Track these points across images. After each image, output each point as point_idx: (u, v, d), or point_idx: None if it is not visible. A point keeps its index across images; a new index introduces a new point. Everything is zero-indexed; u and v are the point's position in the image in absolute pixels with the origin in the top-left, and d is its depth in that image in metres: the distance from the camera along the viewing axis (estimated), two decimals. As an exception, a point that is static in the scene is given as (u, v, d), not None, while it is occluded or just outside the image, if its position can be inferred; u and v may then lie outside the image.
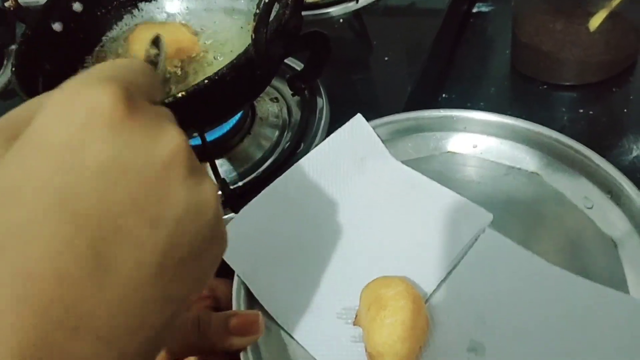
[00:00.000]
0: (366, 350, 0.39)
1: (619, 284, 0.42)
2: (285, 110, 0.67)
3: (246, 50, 0.47)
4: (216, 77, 0.46)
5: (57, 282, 0.18)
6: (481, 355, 0.39)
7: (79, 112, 0.21)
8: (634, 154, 0.60)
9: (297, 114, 0.66)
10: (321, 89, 0.66)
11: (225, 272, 0.44)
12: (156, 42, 0.37)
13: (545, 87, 0.69)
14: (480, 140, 0.53)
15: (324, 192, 0.49)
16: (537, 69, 0.69)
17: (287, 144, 0.62)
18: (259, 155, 0.62)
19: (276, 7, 0.49)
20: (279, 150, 0.63)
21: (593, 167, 0.47)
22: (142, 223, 0.21)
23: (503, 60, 0.75)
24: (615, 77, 0.67)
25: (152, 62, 0.36)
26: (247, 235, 0.46)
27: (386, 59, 0.69)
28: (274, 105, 0.67)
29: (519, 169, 0.51)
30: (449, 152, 0.54)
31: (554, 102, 0.68)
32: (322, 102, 0.65)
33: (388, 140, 0.54)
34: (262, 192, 0.48)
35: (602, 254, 0.44)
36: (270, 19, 0.48)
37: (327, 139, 0.51)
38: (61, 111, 0.21)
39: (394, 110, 0.65)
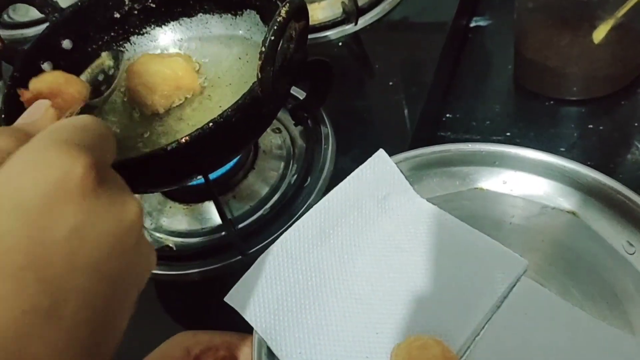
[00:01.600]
0: None
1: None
2: (288, 140, 0.63)
3: (251, 89, 0.44)
4: (221, 120, 0.43)
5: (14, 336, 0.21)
6: None
7: (52, 177, 0.23)
8: (649, 169, 0.58)
9: (301, 144, 0.63)
10: (325, 117, 0.63)
11: (244, 328, 0.42)
12: (115, 54, 0.39)
13: (551, 102, 0.66)
14: (511, 176, 0.49)
15: (345, 236, 0.46)
16: (543, 85, 0.67)
17: (294, 177, 0.59)
18: (265, 190, 0.59)
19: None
20: (285, 183, 0.59)
21: (635, 209, 0.43)
22: (97, 281, 0.23)
23: (505, 76, 0.72)
24: (623, 89, 0.64)
25: (105, 74, 0.40)
26: (264, 287, 0.42)
27: (390, 83, 0.66)
28: (276, 136, 0.63)
29: (554, 207, 0.47)
30: (477, 188, 0.50)
31: (561, 118, 0.66)
32: (326, 131, 0.62)
33: (411, 176, 0.50)
34: (279, 238, 0.44)
35: None
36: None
37: (349, 177, 0.48)
38: (35, 173, 0.23)
39: (403, 136, 0.62)
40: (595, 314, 0.41)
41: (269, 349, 0.41)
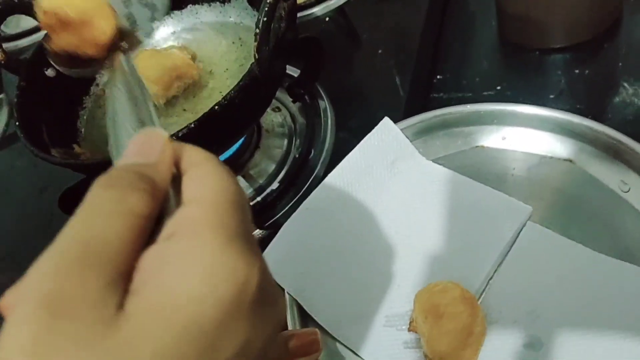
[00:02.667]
0: (426, 357, 0.38)
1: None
2: (289, 118, 0.65)
3: (250, 71, 0.46)
4: (225, 102, 0.46)
5: None
6: (538, 350, 0.39)
7: (233, 289, 0.19)
8: (635, 107, 0.60)
9: (301, 119, 0.64)
10: (321, 92, 0.65)
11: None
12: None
13: (537, 52, 0.68)
14: (510, 132, 0.51)
15: (360, 200, 0.48)
16: (526, 36, 0.68)
17: (298, 151, 0.61)
18: (272, 167, 0.61)
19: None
20: (290, 158, 0.62)
21: (627, 150, 0.46)
22: None
23: (490, 32, 0.74)
24: (605, 33, 0.66)
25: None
26: (290, 252, 0.45)
27: (380, 51, 0.68)
28: (277, 115, 0.65)
29: (551, 157, 0.50)
30: (478, 146, 0.52)
31: (548, 66, 0.67)
32: (324, 105, 0.64)
33: (416, 140, 0.52)
34: (300, 207, 0.47)
35: None
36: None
37: (357, 146, 0.50)
38: (215, 281, 0.19)
39: (397, 102, 0.65)
40: (598, 251, 0.43)
41: (300, 308, 0.43)
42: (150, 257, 0.20)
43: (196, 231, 0.20)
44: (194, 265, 0.19)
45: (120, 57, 0.38)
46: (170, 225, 0.21)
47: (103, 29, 0.38)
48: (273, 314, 0.22)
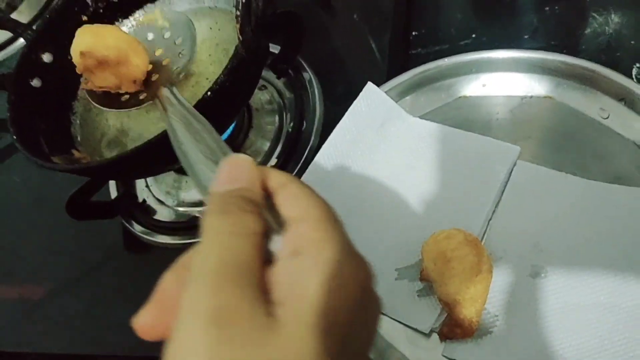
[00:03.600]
0: (441, 301, 0.41)
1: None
2: (276, 94, 0.66)
3: (236, 52, 0.47)
4: (217, 87, 0.47)
5: None
6: (544, 278, 0.41)
7: (356, 292, 0.24)
8: (607, 35, 0.62)
9: (288, 94, 0.65)
10: (304, 65, 0.66)
11: None
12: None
13: (507, -3, 0.70)
14: (489, 78, 0.53)
15: (356, 166, 0.50)
16: (495, -19, 0.70)
17: (290, 125, 0.63)
18: (267, 144, 0.63)
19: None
20: (284, 133, 0.63)
21: (602, 78, 0.48)
22: None
23: (459, -19, 0.75)
24: (570, -33, 0.68)
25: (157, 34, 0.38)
26: None
27: (355, 17, 0.69)
28: (264, 93, 0.66)
29: (531, 96, 0.51)
30: (461, 97, 0.54)
31: (519, 8, 0.68)
32: (308, 76, 0.65)
33: (401, 100, 0.54)
34: (301, 179, 0.48)
35: (629, 158, 0.46)
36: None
37: (346, 114, 0.51)
38: (341, 291, 0.23)
39: (378, 63, 0.66)
40: (589, 179, 0.45)
41: None
42: (286, 273, 0.23)
43: (318, 248, 0.24)
44: (327, 277, 0.23)
45: (164, 91, 0.38)
46: (290, 243, 0.24)
47: (138, 65, 0.39)
48: (378, 304, 0.26)
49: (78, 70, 0.40)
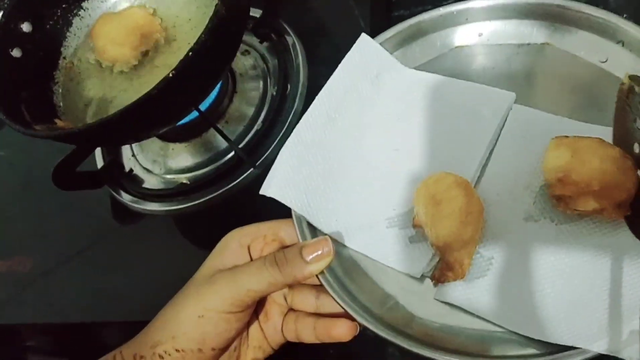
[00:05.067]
0: (433, 245, 0.40)
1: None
2: (259, 59, 0.65)
3: (216, 11, 0.46)
4: (198, 47, 0.46)
5: None
6: (538, 221, 0.41)
7: None
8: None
9: (272, 59, 0.65)
10: (286, 28, 0.65)
11: (283, 214, 0.46)
12: None
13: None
14: (484, 27, 0.52)
15: (350, 116, 0.49)
16: None
17: (275, 89, 0.62)
18: (252, 109, 0.62)
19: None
20: (268, 97, 0.62)
21: (599, 22, 0.47)
22: None
23: None
24: None
25: None
26: (291, 172, 0.46)
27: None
28: (247, 58, 0.66)
29: (529, 44, 0.50)
30: (456, 47, 0.53)
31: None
32: (291, 40, 0.64)
33: (396, 52, 0.53)
34: (293, 133, 0.47)
35: None
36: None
37: (340, 65, 0.50)
38: None
39: (360, 25, 0.66)
40: (585, 121, 0.44)
41: (308, 223, 0.45)
42: None
43: None
44: None
45: None
46: None
47: (627, 187, 0.37)
48: None
49: (552, 195, 0.39)
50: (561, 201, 0.39)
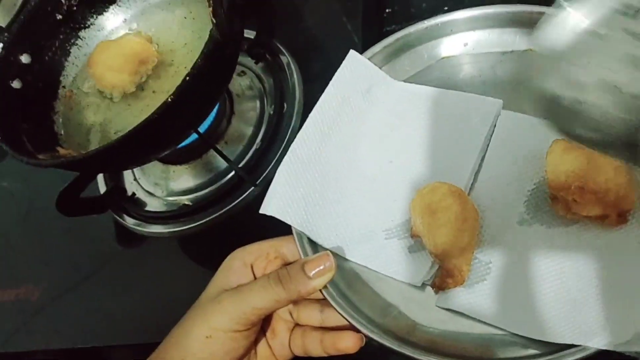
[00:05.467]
0: (431, 254, 0.41)
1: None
2: (255, 79, 0.66)
3: (211, 36, 0.48)
4: (195, 71, 0.47)
5: None
6: (531, 225, 0.42)
7: None
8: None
9: (268, 78, 0.66)
10: (280, 47, 0.66)
11: (284, 231, 0.47)
12: None
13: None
14: (469, 37, 0.53)
15: (344, 132, 0.50)
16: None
17: (272, 108, 0.63)
18: (250, 129, 0.63)
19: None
20: (266, 116, 0.63)
21: None
22: None
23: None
24: None
25: None
26: (289, 190, 0.47)
27: (327, -3, 0.71)
28: (243, 78, 0.67)
29: (512, 51, 0.51)
30: (443, 57, 0.54)
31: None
32: (286, 59, 0.65)
33: (384, 66, 0.54)
34: (289, 151, 0.48)
35: None
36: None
37: (330, 82, 0.51)
38: None
39: (353, 41, 0.67)
40: None
41: (309, 239, 0.46)
42: None
43: None
44: None
45: None
46: None
47: (632, 199, 0.38)
48: None
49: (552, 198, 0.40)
50: (560, 203, 0.40)
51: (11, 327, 0.66)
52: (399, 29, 0.71)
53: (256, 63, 0.67)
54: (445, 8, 0.70)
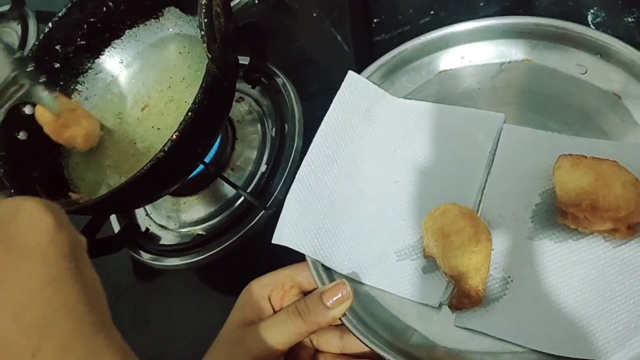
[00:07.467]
0: (446, 275, 0.41)
1: (633, 128, 0.45)
2: (254, 104, 0.67)
3: (208, 70, 0.48)
4: (196, 106, 0.49)
5: None
6: (542, 239, 0.42)
7: None
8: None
9: (266, 101, 0.66)
10: (275, 70, 0.67)
11: (298, 253, 0.47)
12: None
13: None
14: (466, 50, 0.53)
15: (348, 154, 0.50)
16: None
17: (273, 130, 0.64)
18: (254, 153, 0.63)
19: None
20: (268, 140, 0.64)
21: (574, 35, 0.48)
22: None
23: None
24: None
25: None
26: (299, 218, 0.47)
27: (314, 14, 0.72)
28: (242, 104, 0.68)
29: (509, 62, 0.52)
30: (441, 71, 0.54)
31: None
32: (282, 81, 0.66)
33: (383, 83, 0.54)
34: (295, 178, 0.49)
35: (611, 110, 0.46)
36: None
37: (332, 105, 0.51)
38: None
39: (345, 55, 0.68)
40: (574, 133, 0.46)
41: (323, 266, 0.46)
42: None
43: None
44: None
45: None
46: None
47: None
48: None
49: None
50: (569, 217, 0.40)
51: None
52: (388, 38, 0.73)
53: (253, 87, 0.68)
54: (432, 12, 0.71)
